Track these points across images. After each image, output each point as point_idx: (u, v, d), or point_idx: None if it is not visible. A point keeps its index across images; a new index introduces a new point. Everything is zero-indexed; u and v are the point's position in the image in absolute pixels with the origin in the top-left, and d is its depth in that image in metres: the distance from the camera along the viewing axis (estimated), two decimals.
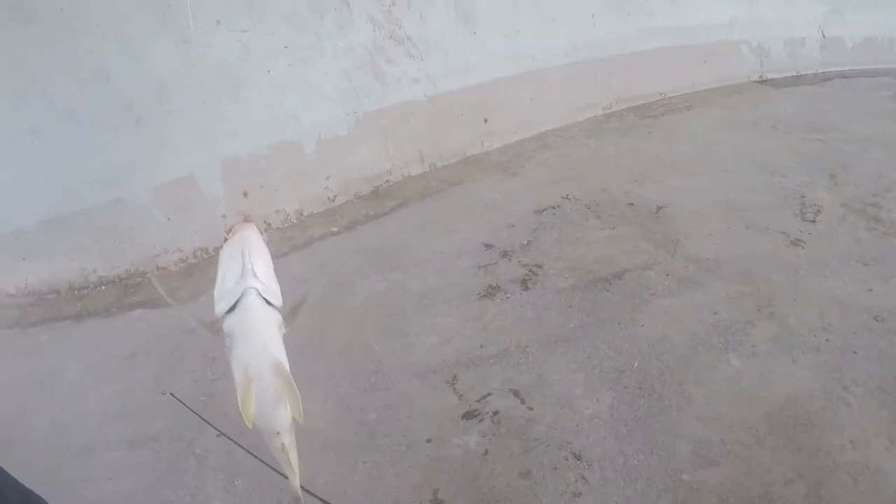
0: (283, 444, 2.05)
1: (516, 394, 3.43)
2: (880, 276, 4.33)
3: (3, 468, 2.16)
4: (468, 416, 3.32)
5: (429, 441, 3.19)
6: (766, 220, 5.01)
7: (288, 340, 3.90)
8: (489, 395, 3.44)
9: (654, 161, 6.18)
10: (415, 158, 6.07)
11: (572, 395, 3.40)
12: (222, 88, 4.89)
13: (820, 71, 9.47)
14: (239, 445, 2.70)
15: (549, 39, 6.88)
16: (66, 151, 4.42)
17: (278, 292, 2.15)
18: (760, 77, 9.03)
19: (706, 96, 8.20)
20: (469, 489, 2.95)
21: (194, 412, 3.07)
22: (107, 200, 4.61)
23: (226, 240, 2.34)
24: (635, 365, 3.58)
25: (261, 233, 2.19)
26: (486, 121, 6.53)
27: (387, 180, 5.89)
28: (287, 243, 5.04)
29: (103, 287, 4.68)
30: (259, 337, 2.02)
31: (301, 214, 5.38)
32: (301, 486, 2.18)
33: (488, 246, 4.79)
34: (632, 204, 5.31)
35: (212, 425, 2.95)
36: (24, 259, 4.59)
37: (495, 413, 3.32)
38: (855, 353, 3.65)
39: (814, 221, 5.00)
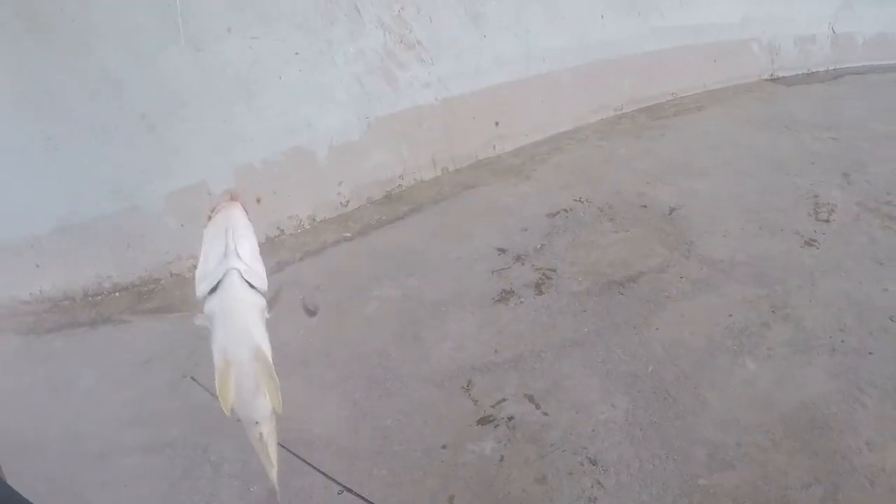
0: (261, 433, 2.02)
1: (531, 399, 3.43)
2: (895, 275, 4.31)
3: (8, 484, 2.15)
4: (483, 421, 3.32)
5: (444, 447, 3.19)
6: (780, 221, 5.00)
7: (302, 347, 3.94)
8: (504, 400, 3.44)
9: (666, 162, 6.17)
10: (427, 162, 6.07)
11: (587, 399, 3.40)
12: (234, 96, 4.90)
13: (831, 68, 9.44)
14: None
15: (559, 41, 6.87)
16: (79, 160, 4.44)
17: (263, 275, 2.03)
18: (771, 75, 9.01)
19: (718, 96, 8.19)
20: (485, 495, 2.95)
21: (213, 395, 3.09)
22: (120, 208, 4.62)
23: (209, 219, 2.18)
24: (650, 369, 3.57)
25: (246, 212, 2.09)
26: (497, 124, 6.53)
27: (399, 185, 5.89)
28: (300, 249, 5.05)
29: (117, 294, 4.70)
30: (240, 320, 1.93)
31: (314, 220, 5.39)
32: (347, 487, 2.15)
33: (502, 250, 4.79)
34: (645, 206, 5.30)
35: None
36: (38, 266, 4.61)
37: (510, 418, 3.32)
38: (871, 354, 3.64)
39: (828, 221, 4.99)
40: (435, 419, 3.36)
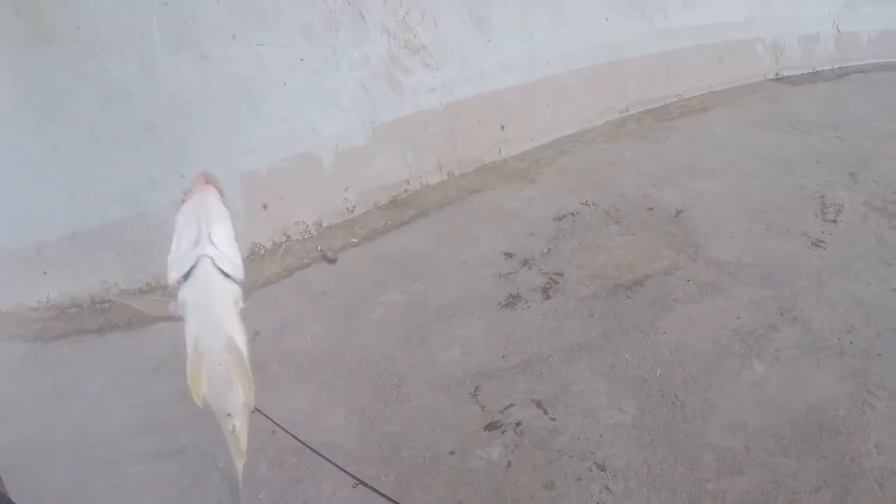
0: (234, 426, 1.99)
1: (539, 404, 3.43)
2: None
3: (10, 499, 2.15)
4: (491, 427, 3.32)
5: (452, 453, 3.19)
6: (787, 222, 5.00)
7: (309, 354, 3.94)
8: (512, 405, 3.44)
9: (672, 164, 6.17)
10: (433, 167, 6.07)
11: (595, 404, 3.40)
12: (240, 103, 4.91)
13: (836, 66, 9.44)
14: (277, 425, 2.67)
15: (564, 44, 6.87)
16: (86, 167, 4.45)
17: (238, 262, 1.94)
18: (776, 75, 9.00)
19: (723, 96, 8.19)
20: (493, 501, 2.95)
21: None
22: (128, 215, 4.63)
23: (183, 203, 2.09)
24: (658, 373, 3.57)
25: (221, 196, 2.01)
26: (503, 128, 6.53)
27: (405, 190, 5.90)
28: (307, 255, 5.05)
29: (126, 303, 4.71)
30: (212, 310, 1.88)
31: (320, 226, 5.39)
32: (361, 480, 2.12)
33: (508, 255, 4.79)
34: (651, 209, 5.30)
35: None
36: (45, 273, 4.62)
37: (518, 424, 3.32)
38: (879, 355, 3.64)
39: (835, 221, 4.98)
40: (442, 425, 3.36)
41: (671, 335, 3.87)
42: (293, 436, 2.33)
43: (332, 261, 4.61)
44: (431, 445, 3.25)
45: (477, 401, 3.50)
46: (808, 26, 9.21)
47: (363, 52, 5.48)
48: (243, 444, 2.06)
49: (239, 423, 2.00)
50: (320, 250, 4.33)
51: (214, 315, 1.87)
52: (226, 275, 1.88)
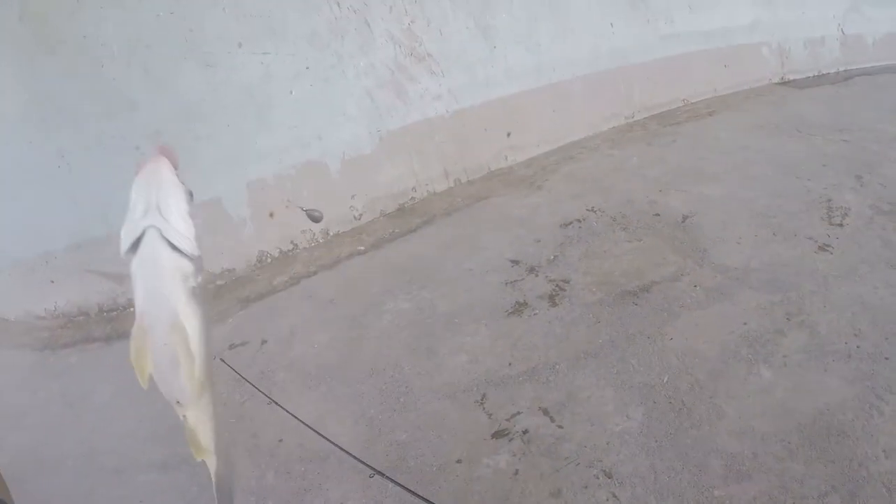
0: (185, 416, 1.87)
1: (546, 412, 3.42)
2: None
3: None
4: (498, 435, 3.31)
5: (459, 461, 3.19)
6: (794, 226, 4.98)
7: (316, 362, 3.95)
8: (519, 413, 3.43)
9: (678, 169, 6.17)
10: (439, 174, 6.09)
11: (602, 411, 3.39)
12: (246, 111, 4.94)
13: (841, 69, 9.44)
14: (291, 414, 2.67)
15: (569, 50, 6.89)
16: (93, 177, 4.47)
17: (191, 235, 1.77)
18: (782, 78, 9.00)
19: (728, 100, 8.19)
20: None
21: (243, 377, 3.11)
22: None
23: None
24: (665, 379, 3.56)
25: (176, 168, 1.84)
26: (509, 134, 6.55)
27: (412, 197, 5.91)
28: (314, 263, 5.08)
29: (132, 309, 4.71)
30: (157, 283, 1.74)
31: (327, 234, 5.41)
32: (378, 471, 2.07)
33: (515, 262, 4.80)
34: (658, 214, 5.30)
35: (261, 391, 2.95)
36: (53, 282, 4.65)
37: (525, 432, 3.31)
38: (887, 359, 3.62)
39: (841, 225, 4.97)
40: (449, 433, 3.36)
41: (678, 341, 3.86)
42: (311, 427, 2.35)
43: (317, 219, 4.61)
44: (438, 453, 3.25)
45: (484, 408, 3.50)
46: (812, 30, 9.21)
47: (369, 60, 5.50)
48: (203, 438, 1.93)
49: (192, 415, 1.88)
50: (304, 210, 4.32)
51: (159, 289, 1.74)
52: (175, 248, 1.74)
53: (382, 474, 2.54)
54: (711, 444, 3.15)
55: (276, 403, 2.78)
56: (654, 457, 3.10)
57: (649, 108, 7.79)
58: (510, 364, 3.80)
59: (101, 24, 4.29)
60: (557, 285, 4.48)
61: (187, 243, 1.74)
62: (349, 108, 5.47)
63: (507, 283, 4.56)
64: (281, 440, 3.34)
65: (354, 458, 2.49)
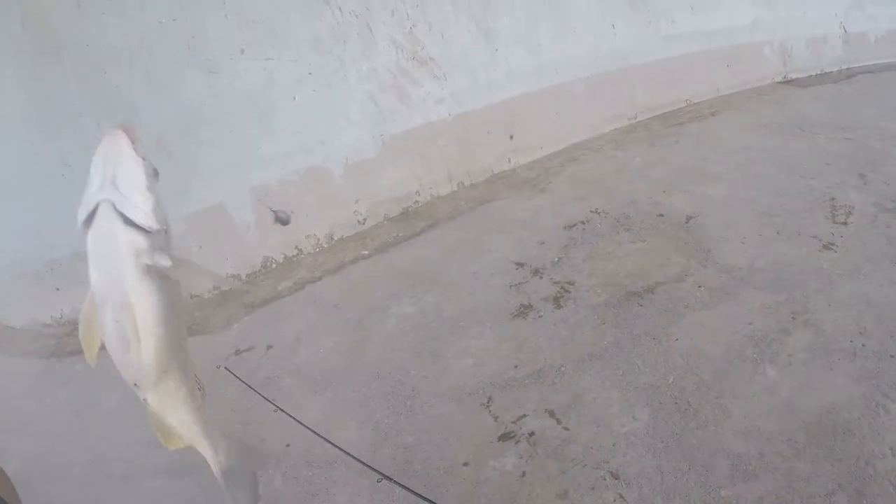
0: (145, 400, 1.82)
1: (552, 414, 3.42)
2: None
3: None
4: (504, 437, 3.32)
5: (466, 464, 3.19)
6: (798, 225, 4.98)
7: (322, 366, 3.95)
8: (525, 416, 3.44)
9: (681, 170, 6.17)
10: (443, 178, 6.10)
11: (608, 413, 3.39)
12: (249, 117, 4.95)
13: (844, 68, 9.42)
14: (297, 421, 2.68)
15: (571, 52, 6.90)
16: None
17: (147, 209, 1.70)
18: (784, 77, 9.00)
19: (731, 100, 8.19)
20: None
21: (250, 386, 3.11)
22: None
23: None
24: (671, 380, 3.56)
25: (135, 143, 1.73)
26: (512, 137, 6.55)
27: (416, 201, 5.92)
28: (319, 268, 5.08)
29: None
30: (108, 257, 1.69)
31: (332, 238, 5.42)
32: (385, 475, 2.04)
33: (519, 264, 4.80)
34: (662, 215, 5.30)
35: (267, 399, 2.96)
36: (58, 290, 4.66)
37: (531, 434, 3.31)
38: (892, 357, 3.61)
39: (845, 223, 4.96)
40: (456, 436, 3.37)
41: (683, 342, 3.86)
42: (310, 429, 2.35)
43: (284, 222, 4.59)
44: (445, 456, 3.25)
45: (490, 411, 3.50)
46: (814, 28, 9.20)
47: (371, 65, 5.52)
48: (171, 424, 1.89)
49: (153, 399, 1.82)
50: (273, 210, 4.32)
51: (110, 264, 1.70)
52: (130, 222, 1.69)
53: (390, 479, 2.54)
54: (718, 444, 3.15)
55: (282, 410, 2.78)
56: (661, 457, 3.10)
57: (652, 109, 7.79)
58: (516, 366, 3.80)
59: (103, 31, 4.31)
60: (562, 287, 4.48)
61: (143, 217, 1.69)
62: (352, 112, 5.48)
63: (511, 286, 4.56)
64: (288, 445, 3.35)
65: (362, 462, 2.49)
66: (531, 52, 6.59)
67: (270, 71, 4.99)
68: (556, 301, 4.35)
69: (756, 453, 3.08)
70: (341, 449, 2.44)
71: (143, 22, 4.43)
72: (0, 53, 4.24)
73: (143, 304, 1.70)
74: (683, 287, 4.36)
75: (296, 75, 5.13)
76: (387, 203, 5.76)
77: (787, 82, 8.89)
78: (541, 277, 4.63)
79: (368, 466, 2.54)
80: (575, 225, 5.28)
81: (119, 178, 1.67)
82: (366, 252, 5.25)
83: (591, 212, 5.46)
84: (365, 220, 5.61)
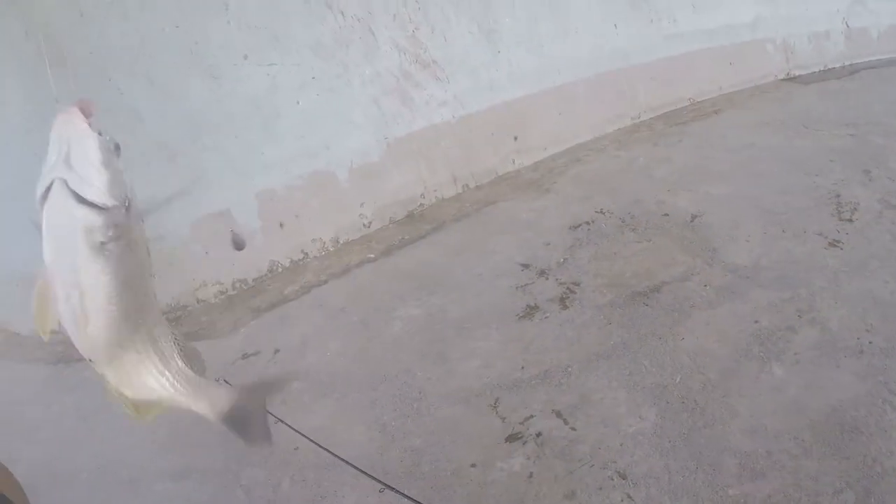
0: (103, 375, 1.78)
1: (559, 414, 3.42)
2: None
3: None
4: (512, 438, 3.32)
5: (473, 466, 3.20)
6: (803, 223, 4.98)
7: (328, 370, 3.96)
8: (532, 416, 3.44)
9: (686, 169, 6.17)
10: (447, 180, 6.10)
11: (615, 413, 3.39)
12: (253, 122, 4.96)
13: (847, 63, 9.42)
14: (302, 435, 2.68)
15: (573, 52, 6.90)
16: None
17: (102, 186, 1.64)
18: (787, 74, 8.99)
19: (734, 98, 8.19)
20: None
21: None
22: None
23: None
24: (677, 379, 3.56)
25: (89, 118, 1.73)
26: (515, 138, 6.56)
27: (421, 204, 5.93)
28: (325, 272, 5.09)
29: None
30: (59, 236, 1.67)
31: (337, 242, 5.43)
32: (388, 485, 2.02)
33: (525, 266, 4.81)
34: (666, 214, 5.30)
35: (273, 415, 2.96)
36: None
37: (539, 435, 3.32)
38: None
39: (850, 220, 4.96)
40: (463, 438, 3.37)
41: (689, 341, 3.86)
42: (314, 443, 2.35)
43: (239, 247, 4.58)
44: (453, 458, 3.25)
45: (497, 412, 3.50)
46: (817, 24, 9.20)
47: (374, 69, 5.53)
48: (137, 398, 1.85)
49: (112, 375, 1.78)
50: (231, 231, 4.33)
51: (62, 241, 1.67)
52: (84, 200, 1.63)
53: (392, 488, 2.54)
54: (725, 443, 3.15)
55: (282, 421, 2.78)
56: (668, 457, 3.10)
57: (655, 109, 7.79)
58: (522, 367, 3.80)
59: (106, 38, 4.32)
60: (568, 288, 4.49)
61: (96, 194, 1.64)
62: (356, 116, 5.49)
63: (517, 287, 4.57)
64: (296, 448, 3.35)
65: (362, 472, 2.49)
66: (533, 53, 6.60)
67: (274, 76, 5.00)
68: (562, 302, 4.36)
69: (763, 452, 3.08)
70: (340, 458, 2.45)
71: (146, 28, 4.44)
72: (3, 61, 4.26)
73: (94, 282, 1.67)
74: (689, 286, 4.37)
75: (299, 80, 5.14)
76: (392, 206, 5.77)
77: (789, 79, 8.89)
78: (546, 278, 4.63)
79: (369, 475, 2.54)
80: (580, 225, 5.29)
81: (73, 154, 1.62)
82: (371, 255, 5.26)
83: (595, 212, 5.47)
84: (370, 223, 5.62)
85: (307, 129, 5.22)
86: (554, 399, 3.54)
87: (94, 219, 1.63)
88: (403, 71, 5.70)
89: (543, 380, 3.69)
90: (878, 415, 3.22)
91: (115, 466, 3.47)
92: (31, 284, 1.66)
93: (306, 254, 5.28)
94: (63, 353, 4.49)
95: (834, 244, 4.67)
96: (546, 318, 4.22)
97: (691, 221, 5.15)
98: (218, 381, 3.49)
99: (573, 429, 3.33)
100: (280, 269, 5.15)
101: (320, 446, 2.56)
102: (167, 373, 1.84)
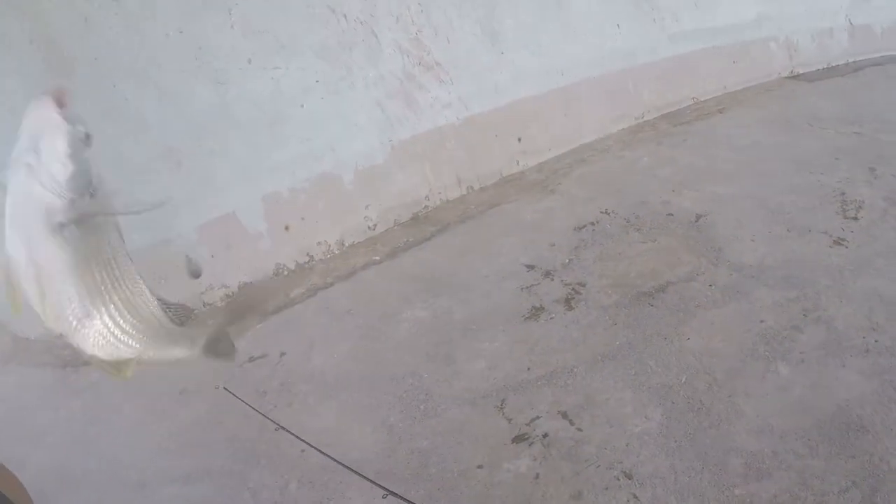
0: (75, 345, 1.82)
1: (565, 415, 3.44)
2: None
3: None
4: (518, 439, 3.33)
5: (480, 467, 3.21)
6: (808, 221, 4.98)
7: (335, 372, 3.97)
8: (538, 417, 3.45)
9: (690, 169, 6.17)
10: (452, 182, 6.10)
11: (621, 413, 3.40)
12: (258, 126, 4.97)
13: (850, 60, 9.38)
14: (302, 440, 2.69)
15: (577, 53, 6.90)
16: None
17: (65, 177, 1.70)
18: (791, 72, 8.97)
19: (738, 97, 8.17)
20: None
21: (250, 406, 3.13)
22: (151, 242, 4.66)
23: None
24: (683, 380, 3.57)
25: (60, 107, 1.77)
26: (520, 140, 6.56)
27: (426, 206, 5.93)
28: (330, 274, 5.10)
29: None
30: (19, 218, 1.71)
31: (343, 245, 5.44)
32: (391, 491, 2.04)
33: (530, 267, 4.81)
34: (671, 214, 5.30)
35: (269, 419, 2.97)
36: None
37: (545, 435, 3.33)
38: None
39: (856, 218, 4.96)
40: (470, 439, 3.38)
41: (695, 341, 3.87)
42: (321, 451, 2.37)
43: (196, 274, 4.58)
44: (459, 459, 3.27)
45: (503, 414, 3.52)
46: (820, 21, 9.17)
47: (378, 71, 5.54)
48: (114, 357, 1.91)
49: (82, 343, 1.82)
50: (187, 257, 4.33)
51: (22, 221, 1.71)
52: (45, 185, 1.70)
53: (395, 494, 2.55)
54: (731, 442, 3.15)
55: (283, 428, 2.80)
56: (674, 457, 3.11)
57: (659, 108, 7.78)
58: (528, 369, 3.82)
59: (111, 44, 4.34)
60: (573, 289, 4.50)
61: (57, 185, 1.70)
62: (360, 119, 5.50)
63: (522, 288, 4.58)
64: (303, 450, 3.36)
65: (362, 476, 2.50)
66: (536, 54, 6.60)
67: (278, 80, 5.01)
68: (568, 302, 4.36)
69: (769, 451, 3.09)
70: (340, 462, 2.46)
71: (151, 35, 4.46)
72: (8, 69, 4.27)
73: (49, 263, 1.73)
74: (694, 286, 4.37)
75: (303, 83, 5.15)
76: (397, 208, 5.77)
77: (793, 77, 8.87)
78: (552, 279, 4.64)
79: (371, 481, 2.55)
80: (585, 226, 5.29)
81: (41, 143, 1.69)
82: (377, 258, 5.27)
83: (600, 213, 5.47)
84: (375, 225, 5.63)
85: (312, 132, 5.23)
86: (560, 400, 3.55)
87: (56, 203, 1.69)
88: (407, 73, 5.70)
89: (549, 381, 3.70)
90: (884, 413, 3.23)
91: (123, 470, 3.49)
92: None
93: (312, 256, 5.29)
94: (70, 358, 4.50)
95: (839, 243, 4.67)
96: (551, 318, 4.23)
97: (696, 221, 5.15)
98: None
99: (579, 429, 3.34)
100: (286, 272, 5.16)
101: (321, 451, 2.58)
102: (147, 333, 1.90)
